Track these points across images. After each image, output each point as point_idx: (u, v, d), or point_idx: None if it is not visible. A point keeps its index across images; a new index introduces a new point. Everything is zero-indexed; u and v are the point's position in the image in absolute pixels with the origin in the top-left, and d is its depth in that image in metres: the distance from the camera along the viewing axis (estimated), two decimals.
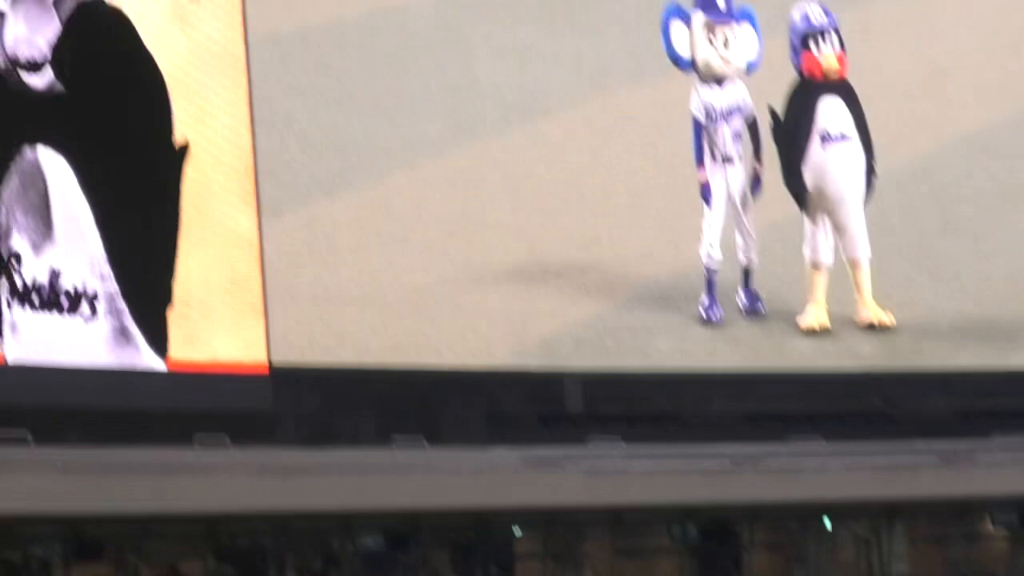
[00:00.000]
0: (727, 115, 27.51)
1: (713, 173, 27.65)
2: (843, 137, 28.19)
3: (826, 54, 28.06)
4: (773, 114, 28.21)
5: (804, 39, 28.04)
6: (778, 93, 28.21)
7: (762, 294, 28.10)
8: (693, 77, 27.64)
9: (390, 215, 27.18)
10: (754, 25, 27.78)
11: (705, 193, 27.64)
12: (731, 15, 27.56)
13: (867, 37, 29.40)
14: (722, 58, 27.50)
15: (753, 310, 28.07)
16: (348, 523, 26.59)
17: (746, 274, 28.06)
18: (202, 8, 26.03)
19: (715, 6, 27.51)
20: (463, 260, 27.34)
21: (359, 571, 27.07)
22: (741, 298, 28.06)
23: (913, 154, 29.68)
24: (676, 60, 27.58)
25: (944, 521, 29.61)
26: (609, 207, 28.14)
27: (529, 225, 27.73)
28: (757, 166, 27.75)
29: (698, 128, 27.58)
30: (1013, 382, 29.09)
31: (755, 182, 27.77)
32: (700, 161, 27.62)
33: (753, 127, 27.69)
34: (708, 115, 27.52)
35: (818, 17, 28.07)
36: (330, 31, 27.39)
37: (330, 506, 25.60)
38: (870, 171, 28.46)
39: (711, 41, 27.47)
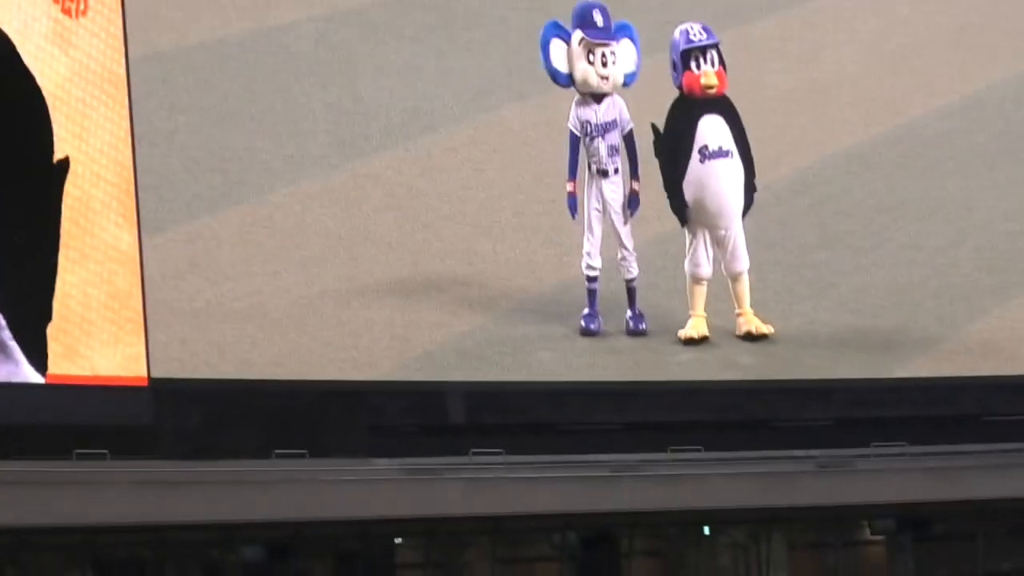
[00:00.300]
0: (604, 130, 27.89)
1: (589, 186, 28.01)
2: (722, 153, 28.61)
3: (706, 71, 28.45)
4: (655, 130, 28.70)
5: (684, 57, 28.43)
6: (663, 108, 28.71)
7: (645, 313, 28.51)
8: (572, 93, 28.01)
9: (272, 231, 27.43)
10: (633, 40, 28.14)
11: (571, 204, 27.98)
12: (609, 33, 27.92)
13: (749, 53, 30.04)
14: (599, 75, 27.85)
15: (636, 331, 28.52)
16: (229, 535, 26.76)
17: (630, 292, 28.50)
18: (82, 27, 26.34)
19: (593, 24, 27.85)
20: (346, 274, 27.62)
21: None
22: (627, 318, 28.50)
23: (793, 169, 30.27)
24: (555, 76, 27.92)
25: (822, 528, 30.05)
26: (491, 222, 28.54)
27: (412, 240, 28.08)
28: (634, 184, 28.16)
29: (574, 142, 27.91)
30: (890, 392, 29.75)
31: (632, 199, 28.16)
32: (572, 175, 27.94)
33: (629, 142, 28.06)
34: (584, 130, 27.88)
35: (697, 35, 28.47)
36: (212, 49, 27.68)
37: (211, 518, 25.83)
38: (750, 186, 28.90)
39: (589, 59, 27.82)
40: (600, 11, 27.92)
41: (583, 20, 27.93)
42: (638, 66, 28.08)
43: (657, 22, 28.95)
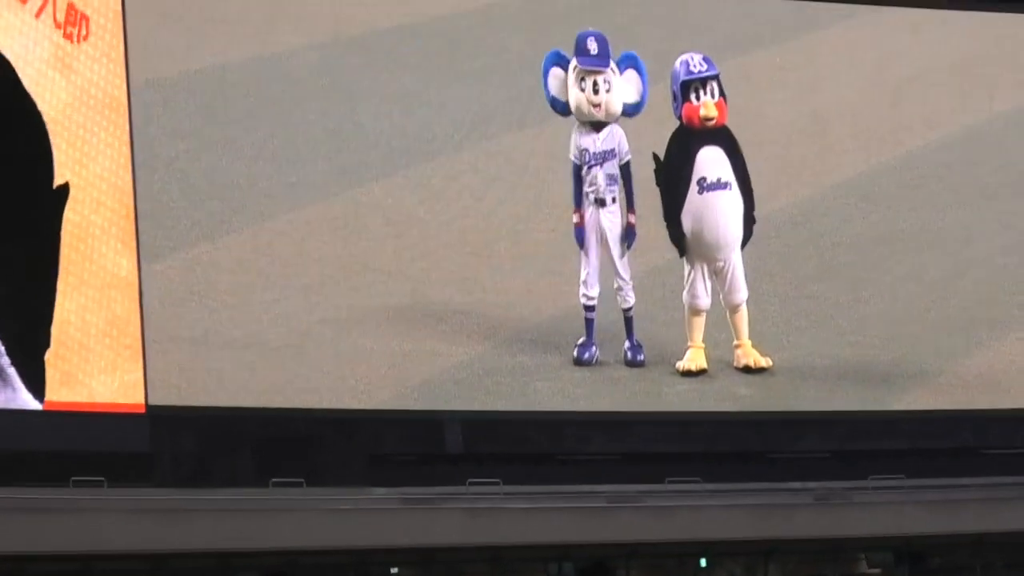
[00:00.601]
0: (602, 159, 28.02)
1: (588, 215, 28.17)
2: (721, 184, 28.70)
3: (705, 103, 28.58)
4: (656, 160, 28.80)
5: (684, 88, 28.55)
6: (667, 138, 28.87)
7: (643, 343, 28.56)
8: (573, 121, 28.18)
9: (272, 258, 27.45)
10: (639, 70, 28.23)
11: (579, 235, 28.17)
12: (601, 61, 28.01)
13: (749, 85, 30.04)
14: (591, 103, 27.97)
15: (634, 362, 28.60)
16: (226, 563, 26.61)
17: (628, 323, 28.59)
18: (84, 52, 26.40)
19: (586, 52, 28.03)
20: (344, 303, 27.65)
21: None
22: (625, 348, 28.59)
23: (792, 200, 30.28)
24: (553, 104, 28.12)
25: (819, 561, 29.87)
26: (490, 251, 28.57)
27: (411, 268, 28.11)
28: (630, 217, 28.26)
29: (576, 171, 28.10)
30: (888, 424, 29.81)
31: (629, 231, 28.27)
32: (578, 204, 28.14)
33: (626, 173, 28.18)
34: (583, 158, 28.04)
35: (698, 66, 28.59)
36: (213, 76, 27.63)
37: (208, 546, 25.78)
38: (750, 218, 29.00)
39: (581, 86, 27.98)
40: (596, 39, 28.05)
41: (578, 48, 28.12)
42: (643, 97, 28.20)
43: (658, 52, 29.00)
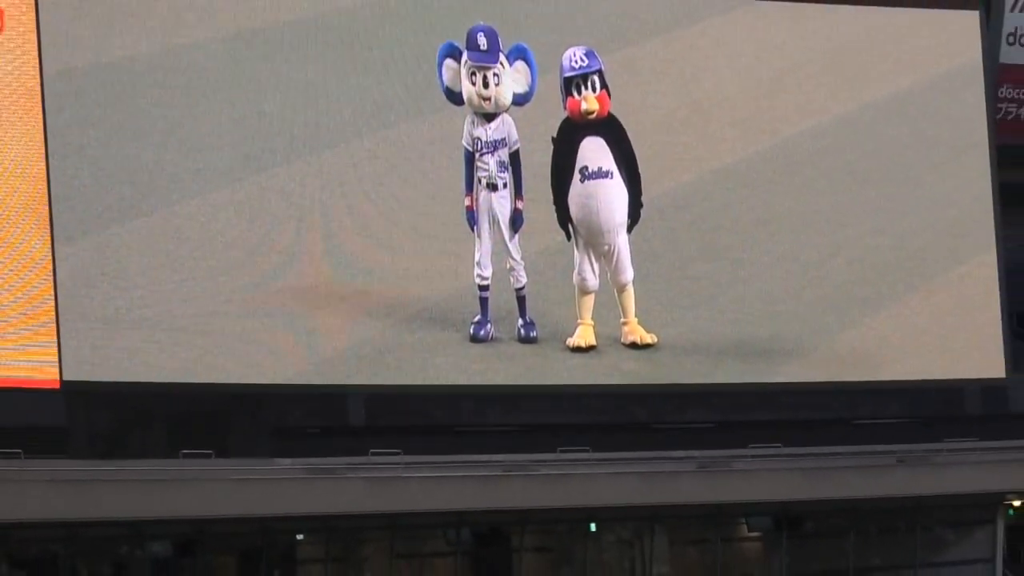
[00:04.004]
0: (494, 147, 29.00)
1: (480, 199, 29.17)
2: (602, 173, 29.59)
3: (586, 96, 29.37)
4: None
5: (567, 83, 29.38)
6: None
7: (536, 321, 29.54)
8: (467, 110, 29.04)
9: (180, 241, 28.28)
10: (528, 61, 28.99)
11: (471, 218, 29.19)
12: (490, 56, 28.87)
13: (633, 76, 31.08)
14: (480, 96, 28.92)
15: (528, 338, 29.61)
16: (138, 531, 27.59)
17: (521, 301, 29.59)
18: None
19: (476, 47, 28.94)
20: (250, 283, 28.54)
21: None
22: (519, 326, 29.58)
23: (675, 185, 31.31)
24: (448, 95, 29.03)
25: (702, 525, 31.14)
26: (390, 233, 29.52)
27: (314, 250, 29.01)
28: (518, 203, 29.26)
29: (468, 158, 29.07)
30: (766, 396, 31.08)
31: (516, 215, 29.27)
32: (468, 189, 29.15)
33: (515, 160, 29.12)
34: (475, 146, 29.00)
35: (579, 62, 29.39)
36: (123, 67, 28.36)
37: (120, 515, 26.67)
38: (636, 203, 29.96)
39: (472, 80, 28.91)
40: (485, 34, 28.90)
41: (469, 43, 29.02)
42: (532, 87, 29.02)
43: (548, 44, 29.77)
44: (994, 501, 31.74)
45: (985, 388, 32.42)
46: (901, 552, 31.81)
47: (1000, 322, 32.25)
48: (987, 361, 32.02)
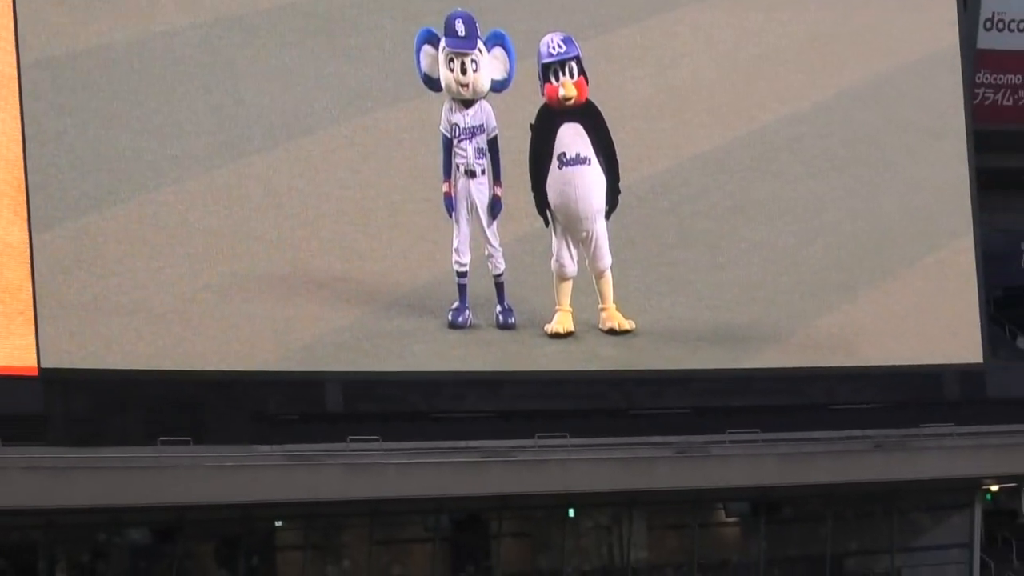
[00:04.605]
0: (472, 133, 29.23)
1: (458, 186, 29.38)
2: (580, 160, 29.84)
3: (564, 83, 29.59)
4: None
5: (544, 70, 29.62)
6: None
7: (515, 307, 29.78)
8: (445, 96, 29.28)
9: (157, 228, 28.40)
10: (506, 48, 29.23)
11: (448, 204, 29.42)
12: (468, 43, 29.08)
13: (611, 63, 31.29)
14: (459, 82, 29.14)
15: (506, 325, 29.87)
16: (116, 518, 27.61)
17: (499, 287, 29.84)
18: None
19: (454, 34, 29.15)
20: (228, 270, 28.68)
21: (126, 564, 28.12)
22: (497, 312, 29.84)
23: (654, 172, 31.54)
24: (427, 82, 29.24)
25: (680, 511, 31.31)
26: (368, 220, 29.68)
27: (292, 237, 29.15)
28: (496, 189, 29.49)
29: (446, 144, 29.31)
30: (744, 382, 31.31)
31: (495, 202, 29.52)
32: (446, 175, 29.37)
33: (493, 147, 29.38)
34: (453, 132, 29.22)
35: (556, 48, 29.62)
36: (100, 54, 28.46)
37: (99, 502, 26.61)
38: (614, 189, 30.26)
39: (450, 67, 29.14)
40: (463, 20, 29.13)
41: (447, 29, 29.22)
42: (510, 73, 29.27)
43: (527, 31, 30.00)
44: (971, 486, 32.08)
45: (962, 373, 32.73)
46: (878, 537, 32.12)
47: (977, 307, 32.64)
48: (964, 346, 32.48)
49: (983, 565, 32.46)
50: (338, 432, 28.51)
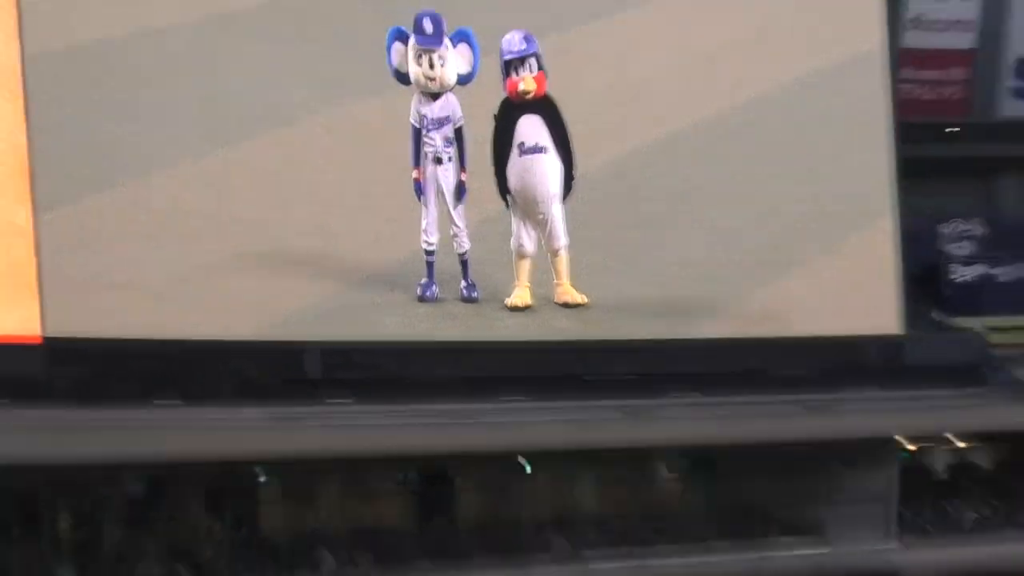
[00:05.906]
0: (439, 124, 31.22)
1: (427, 172, 31.33)
2: (538, 149, 31.76)
3: (524, 78, 31.44)
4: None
5: (506, 65, 31.46)
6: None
7: (478, 283, 31.60)
8: (413, 90, 31.14)
9: (151, 210, 30.34)
10: (471, 44, 31.00)
11: (418, 189, 31.43)
12: (436, 40, 30.90)
13: (568, 57, 32.77)
14: (426, 77, 31.05)
15: (470, 299, 31.75)
16: (114, 474, 29.54)
17: (463, 265, 31.69)
18: None
19: (422, 31, 30.95)
20: (215, 249, 30.56)
21: (124, 514, 30.07)
22: (461, 287, 31.69)
23: (607, 159, 33.18)
24: (397, 76, 31.13)
25: (627, 466, 32.94)
26: (343, 203, 31.51)
27: (273, 218, 31.01)
28: (462, 175, 31.41)
29: (415, 134, 31.26)
30: (687, 350, 32.81)
31: (460, 187, 31.47)
32: (416, 162, 31.34)
33: (459, 136, 31.31)
34: (422, 123, 31.18)
35: (516, 45, 31.46)
36: (99, 49, 30.38)
37: (98, 459, 28.52)
38: (569, 176, 32.01)
39: (419, 62, 31.00)
40: (431, 19, 30.93)
41: (416, 27, 31.07)
42: (475, 68, 31.12)
43: (491, 28, 31.58)
44: (890, 445, 33.62)
45: (883, 343, 34.06)
46: (806, 492, 33.47)
47: (896, 283, 34.16)
48: (885, 318, 34.00)
49: (900, 517, 33.98)
50: (317, 395, 30.27)
